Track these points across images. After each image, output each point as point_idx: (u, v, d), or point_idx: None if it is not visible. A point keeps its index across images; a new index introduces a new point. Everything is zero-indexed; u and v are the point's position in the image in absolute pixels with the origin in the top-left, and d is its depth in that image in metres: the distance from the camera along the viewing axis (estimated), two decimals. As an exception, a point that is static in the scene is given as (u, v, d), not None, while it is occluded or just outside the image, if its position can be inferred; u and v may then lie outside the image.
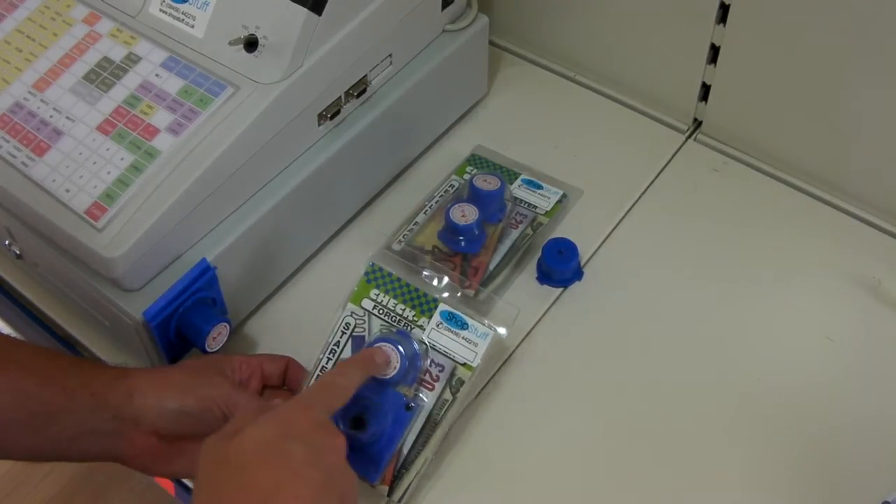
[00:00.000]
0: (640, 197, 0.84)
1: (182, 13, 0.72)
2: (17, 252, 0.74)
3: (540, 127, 0.91)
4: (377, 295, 0.69)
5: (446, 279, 0.70)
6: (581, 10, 0.90)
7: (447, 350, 0.67)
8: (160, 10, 0.73)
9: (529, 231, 0.80)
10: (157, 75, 0.71)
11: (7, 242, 0.74)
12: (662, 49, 0.86)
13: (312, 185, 0.74)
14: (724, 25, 0.80)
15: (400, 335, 0.67)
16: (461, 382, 0.66)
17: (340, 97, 0.75)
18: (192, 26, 0.72)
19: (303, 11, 0.68)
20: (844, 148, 0.80)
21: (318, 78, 0.71)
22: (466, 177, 0.84)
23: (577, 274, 0.78)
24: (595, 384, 0.72)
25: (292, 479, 0.49)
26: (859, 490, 0.65)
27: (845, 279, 0.77)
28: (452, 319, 0.68)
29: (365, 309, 0.69)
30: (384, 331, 0.68)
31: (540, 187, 0.83)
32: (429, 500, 0.65)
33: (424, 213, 0.81)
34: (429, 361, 0.67)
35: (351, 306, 0.69)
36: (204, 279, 0.67)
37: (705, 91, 0.86)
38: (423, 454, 0.64)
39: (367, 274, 0.70)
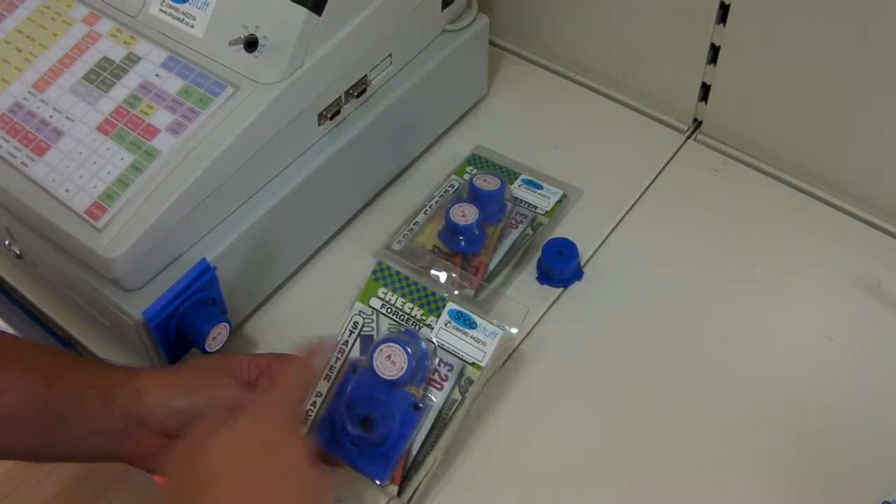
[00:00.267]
0: (640, 197, 0.84)
1: (182, 13, 0.72)
2: (17, 252, 0.74)
3: (540, 127, 0.91)
4: (385, 294, 0.69)
5: (454, 275, 0.70)
6: (581, 10, 0.90)
7: (456, 349, 0.67)
8: (160, 10, 0.73)
9: (529, 231, 0.80)
10: (157, 75, 0.71)
11: (7, 242, 0.74)
12: (662, 49, 0.86)
13: (312, 185, 0.74)
14: (724, 25, 0.80)
15: (408, 335, 0.67)
16: (470, 382, 0.66)
17: (340, 97, 0.75)
18: (192, 26, 0.72)
19: (303, 11, 0.68)
20: (844, 148, 0.80)
21: (318, 78, 0.71)
22: (466, 177, 0.84)
23: (577, 274, 0.78)
24: (595, 384, 0.72)
25: (257, 493, 0.50)
26: (859, 490, 0.65)
27: (845, 279, 0.77)
28: (461, 318, 0.68)
29: (373, 308, 0.69)
30: (392, 330, 0.68)
31: (540, 187, 0.83)
32: (438, 500, 0.65)
33: (424, 213, 0.81)
34: (437, 361, 0.67)
35: (359, 305, 0.69)
36: (204, 279, 0.67)
37: (705, 91, 0.86)
38: (433, 454, 0.64)
39: (374, 273, 0.70)
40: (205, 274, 0.67)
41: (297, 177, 0.73)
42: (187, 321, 0.67)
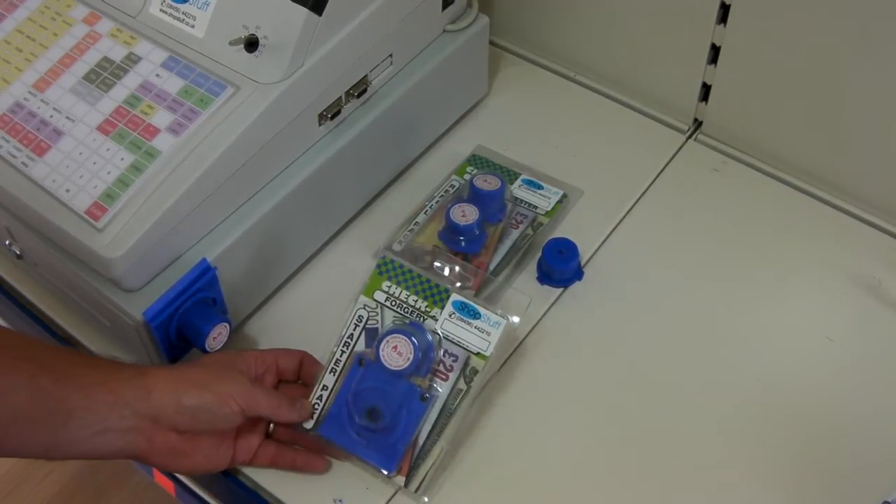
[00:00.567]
0: (640, 197, 0.84)
1: (182, 13, 0.72)
2: (17, 252, 0.74)
3: (540, 127, 0.91)
4: (389, 287, 0.69)
5: (456, 268, 0.71)
6: (581, 10, 0.90)
7: (460, 340, 0.68)
8: (160, 10, 0.73)
9: (530, 231, 0.80)
10: (157, 75, 0.71)
11: (7, 242, 0.74)
12: (662, 49, 0.86)
13: (313, 185, 0.74)
14: (724, 25, 0.80)
15: (413, 327, 0.68)
16: (475, 372, 0.67)
17: (341, 97, 0.75)
18: (193, 26, 0.72)
19: (303, 11, 0.68)
20: (844, 148, 0.80)
21: (318, 78, 0.71)
22: (467, 177, 0.84)
23: (578, 274, 0.78)
24: (596, 383, 0.72)
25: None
26: (859, 490, 0.65)
27: (845, 279, 0.77)
28: (465, 309, 0.68)
29: (377, 301, 0.69)
30: (397, 322, 0.68)
31: (540, 187, 0.83)
32: (444, 490, 0.66)
33: (425, 213, 0.81)
34: (442, 352, 0.67)
35: (363, 299, 0.69)
36: (204, 279, 0.67)
37: (705, 91, 0.86)
38: (439, 444, 0.65)
39: (379, 266, 0.70)
40: (205, 274, 0.67)
41: (298, 177, 0.73)
42: (187, 321, 0.67)
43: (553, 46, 0.95)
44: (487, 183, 0.79)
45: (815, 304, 0.76)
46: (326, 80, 0.72)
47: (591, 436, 0.69)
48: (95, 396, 0.56)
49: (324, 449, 0.67)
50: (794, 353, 0.73)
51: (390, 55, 0.78)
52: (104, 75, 0.71)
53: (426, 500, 0.65)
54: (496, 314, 0.68)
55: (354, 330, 0.69)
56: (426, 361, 0.67)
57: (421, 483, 0.65)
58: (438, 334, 0.68)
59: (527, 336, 0.75)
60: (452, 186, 0.84)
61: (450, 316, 0.68)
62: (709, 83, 0.85)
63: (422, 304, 0.69)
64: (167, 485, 0.84)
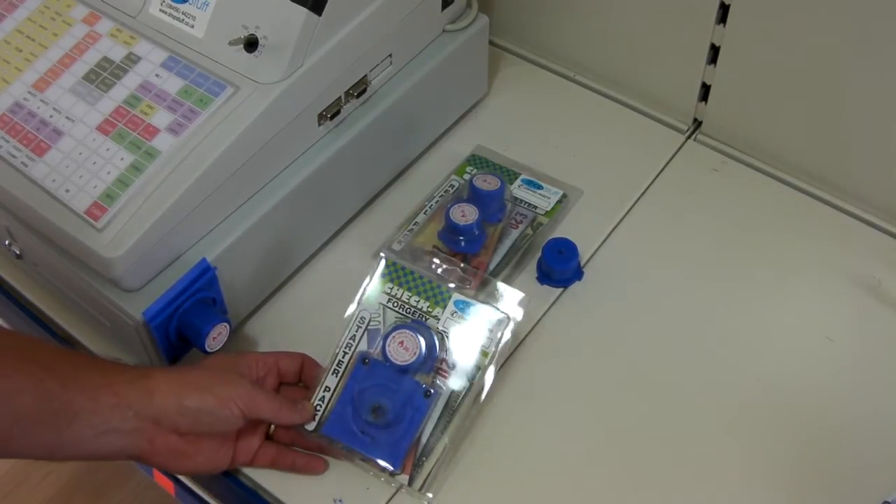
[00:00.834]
0: (640, 197, 0.84)
1: (182, 13, 0.72)
2: (17, 252, 0.74)
3: (540, 127, 0.91)
4: (391, 288, 0.69)
5: (456, 269, 0.71)
6: (581, 10, 0.90)
7: (463, 337, 0.68)
8: (160, 10, 0.73)
9: (529, 231, 0.80)
10: (157, 75, 0.71)
11: (7, 242, 0.74)
12: (662, 49, 0.86)
13: (312, 185, 0.74)
14: (724, 25, 0.80)
15: (417, 324, 0.68)
16: (477, 369, 0.67)
17: (340, 97, 0.75)
18: (192, 26, 0.72)
19: (303, 11, 0.68)
20: (844, 148, 0.80)
21: (318, 78, 0.71)
22: (466, 177, 0.84)
23: (577, 274, 0.78)
24: (596, 383, 0.72)
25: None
26: (859, 490, 0.65)
27: (845, 279, 0.77)
28: (467, 308, 0.68)
29: (380, 303, 0.69)
30: (400, 321, 0.68)
31: (540, 187, 0.83)
32: (446, 487, 0.66)
33: (424, 213, 0.81)
34: (445, 350, 0.68)
35: (366, 301, 0.69)
36: (204, 279, 0.67)
37: (705, 91, 0.86)
38: (442, 441, 0.65)
39: (381, 272, 0.70)
40: (205, 274, 0.67)
41: (297, 177, 0.73)
42: (187, 321, 0.67)
43: (552, 46, 0.95)
44: (487, 183, 0.79)
45: (815, 304, 0.76)
46: (326, 80, 0.72)
47: (592, 435, 0.69)
48: (99, 398, 0.56)
49: (324, 450, 0.67)
50: (794, 353, 0.73)
51: (390, 55, 0.78)
52: (104, 75, 0.71)
53: (430, 496, 0.65)
54: (497, 312, 0.68)
55: (357, 332, 0.69)
56: (430, 359, 0.67)
57: (425, 481, 0.65)
58: (441, 332, 0.68)
59: (527, 336, 0.74)
60: (452, 186, 0.84)
61: (451, 315, 0.68)
62: (708, 83, 0.85)
63: (423, 305, 0.69)
64: (167, 485, 0.84)
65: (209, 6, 0.71)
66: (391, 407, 0.66)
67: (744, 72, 0.82)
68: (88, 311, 0.72)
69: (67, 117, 0.70)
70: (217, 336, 0.67)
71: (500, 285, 0.73)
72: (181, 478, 0.79)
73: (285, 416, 0.65)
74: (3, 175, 0.68)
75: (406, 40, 0.79)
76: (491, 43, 0.92)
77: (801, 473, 0.66)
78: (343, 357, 0.68)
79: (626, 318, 0.76)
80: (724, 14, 0.80)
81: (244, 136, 0.67)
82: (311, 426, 0.66)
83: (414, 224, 0.80)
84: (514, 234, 0.80)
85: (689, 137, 0.89)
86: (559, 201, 0.82)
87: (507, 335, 0.68)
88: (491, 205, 0.78)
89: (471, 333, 0.68)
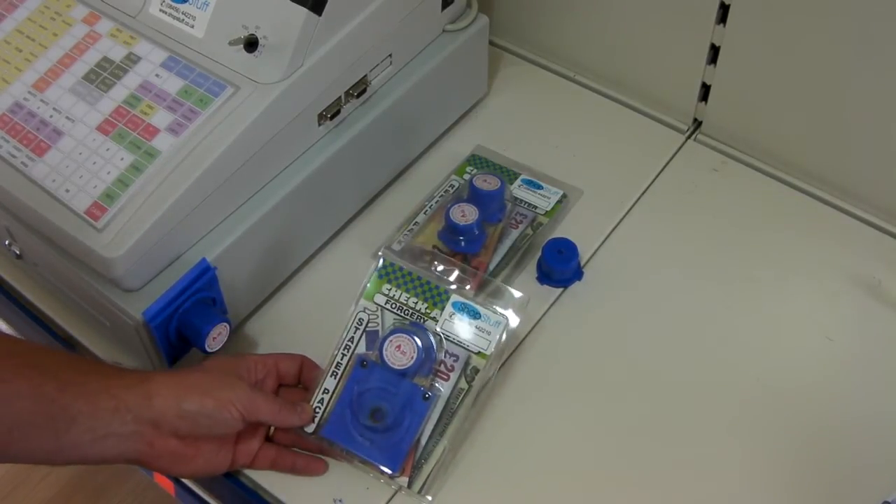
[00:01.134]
0: (640, 197, 0.84)
1: (182, 13, 0.72)
2: (17, 252, 0.74)
3: (540, 127, 0.91)
4: (389, 290, 0.69)
5: (456, 272, 0.71)
6: (581, 10, 0.90)
7: (461, 340, 0.68)
8: (160, 10, 0.73)
9: (529, 231, 0.80)
10: (157, 75, 0.71)
11: (7, 242, 0.74)
12: (662, 49, 0.86)
13: (312, 185, 0.74)
14: (724, 25, 0.80)
15: (414, 326, 0.68)
16: (476, 371, 0.67)
17: (340, 97, 0.75)
18: (192, 26, 0.72)
19: (303, 11, 0.68)
20: (844, 148, 0.80)
21: (318, 78, 0.71)
22: (466, 177, 0.84)
23: (577, 274, 0.78)
24: (596, 383, 0.72)
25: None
26: (859, 490, 0.65)
27: (845, 279, 0.77)
28: (465, 309, 0.68)
29: (377, 304, 0.69)
30: (397, 323, 0.69)
31: (540, 187, 0.83)
32: (446, 489, 0.66)
33: (424, 213, 0.81)
34: (443, 352, 0.68)
35: (364, 302, 0.70)
36: (204, 279, 0.67)
37: (705, 91, 0.86)
38: (441, 444, 0.65)
39: (378, 269, 0.70)
40: (205, 274, 0.67)
41: (297, 177, 0.73)
42: (187, 321, 0.67)
43: (553, 46, 0.95)
44: (487, 183, 0.79)
45: (815, 304, 0.76)
46: (326, 80, 0.72)
47: (592, 435, 0.69)
48: (98, 402, 0.56)
49: (323, 451, 0.67)
50: (794, 353, 0.73)
51: (390, 55, 0.78)
52: (104, 75, 0.71)
53: (429, 499, 0.65)
54: (496, 313, 0.68)
55: (355, 333, 0.69)
56: (428, 361, 0.67)
57: (424, 483, 0.65)
58: (439, 334, 0.68)
59: (527, 336, 0.74)
60: (452, 186, 0.84)
61: (450, 316, 0.68)
62: (708, 83, 0.85)
63: (422, 306, 0.69)
64: (167, 485, 0.84)
65: (209, 6, 0.71)
66: (390, 410, 0.66)
67: (744, 72, 0.82)
68: (88, 311, 0.72)
69: (67, 117, 0.70)
70: (217, 336, 0.67)
71: (500, 286, 0.73)
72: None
73: (285, 419, 0.65)
74: (3, 175, 0.68)
75: (406, 40, 0.79)
76: (491, 43, 0.92)
77: (801, 473, 0.66)
78: (341, 359, 0.68)
79: (626, 318, 0.76)
80: (724, 14, 0.80)
81: (244, 136, 0.67)
82: (310, 428, 0.66)
83: (414, 224, 0.80)
84: (514, 234, 0.80)
85: (689, 137, 0.89)
86: (559, 201, 0.83)
87: (505, 337, 0.68)
88: (491, 205, 0.78)
89: (469, 335, 0.68)
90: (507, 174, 0.85)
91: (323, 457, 0.67)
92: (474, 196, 0.79)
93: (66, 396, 0.55)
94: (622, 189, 0.84)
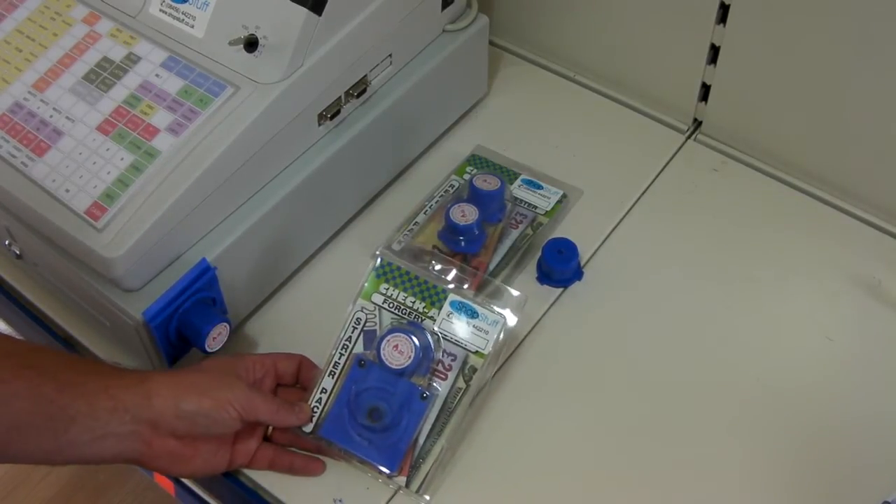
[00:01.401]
0: (640, 197, 0.84)
1: (182, 13, 0.72)
2: (17, 252, 0.74)
3: (540, 127, 0.91)
4: (387, 289, 0.69)
5: (454, 271, 0.71)
6: (581, 10, 0.90)
7: (458, 339, 0.68)
8: (160, 10, 0.73)
9: (529, 231, 0.80)
10: (157, 75, 0.71)
11: (7, 242, 0.74)
12: (662, 49, 0.86)
13: (312, 185, 0.74)
14: (724, 25, 0.80)
15: (412, 326, 0.68)
16: (473, 370, 0.67)
17: (340, 97, 0.75)
18: (192, 26, 0.72)
19: (303, 11, 0.68)
20: (844, 148, 0.80)
21: (318, 78, 0.71)
22: (466, 177, 0.84)
23: (577, 274, 0.78)
24: (595, 383, 0.72)
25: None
26: (859, 490, 0.65)
27: (845, 279, 0.77)
28: (463, 309, 0.68)
29: (375, 304, 0.69)
30: (395, 323, 0.69)
31: (540, 187, 0.83)
32: (444, 489, 0.66)
33: (424, 213, 0.81)
34: (441, 352, 0.68)
35: (361, 301, 0.70)
36: (204, 279, 0.67)
37: (705, 91, 0.86)
38: (439, 443, 0.65)
39: (376, 269, 0.70)
40: (205, 274, 0.67)
41: (297, 177, 0.73)
42: (187, 321, 0.67)
43: (553, 46, 0.95)
44: (487, 183, 0.79)
45: (815, 304, 0.76)
46: (326, 80, 0.72)
47: (591, 435, 0.69)
48: (97, 402, 0.56)
49: (322, 451, 0.67)
50: (794, 353, 0.73)
51: (390, 55, 0.78)
52: (104, 75, 0.71)
53: (427, 498, 0.65)
54: (493, 312, 0.68)
55: (353, 332, 0.69)
56: (426, 361, 0.67)
57: (422, 482, 0.65)
58: (437, 334, 0.68)
59: (526, 336, 0.74)
60: (452, 186, 0.84)
61: (448, 316, 0.68)
62: (708, 83, 0.85)
63: (419, 306, 0.69)
64: (167, 485, 0.84)
65: (209, 6, 0.71)
66: (388, 410, 0.66)
67: (744, 72, 0.82)
68: (88, 311, 0.72)
69: (67, 117, 0.70)
70: (217, 336, 0.67)
71: (498, 285, 0.73)
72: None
73: (283, 418, 0.65)
74: (3, 175, 0.68)
75: (406, 40, 0.79)
76: (491, 43, 0.92)
77: (801, 473, 0.66)
78: (339, 358, 0.68)
79: (626, 318, 0.76)
80: (724, 14, 0.80)
81: (244, 136, 0.67)
82: (308, 428, 0.66)
83: (414, 224, 0.80)
84: (514, 234, 0.80)
85: (689, 137, 0.89)
86: (559, 201, 0.82)
87: (503, 336, 0.68)
88: (491, 205, 0.78)
89: (467, 334, 0.68)
90: (507, 174, 0.85)
91: (321, 457, 0.67)
92: (474, 196, 0.79)
93: (64, 397, 0.55)
94: (622, 189, 0.84)
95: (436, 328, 0.68)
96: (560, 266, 0.77)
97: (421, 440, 0.66)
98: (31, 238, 0.70)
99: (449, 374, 0.67)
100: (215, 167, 0.66)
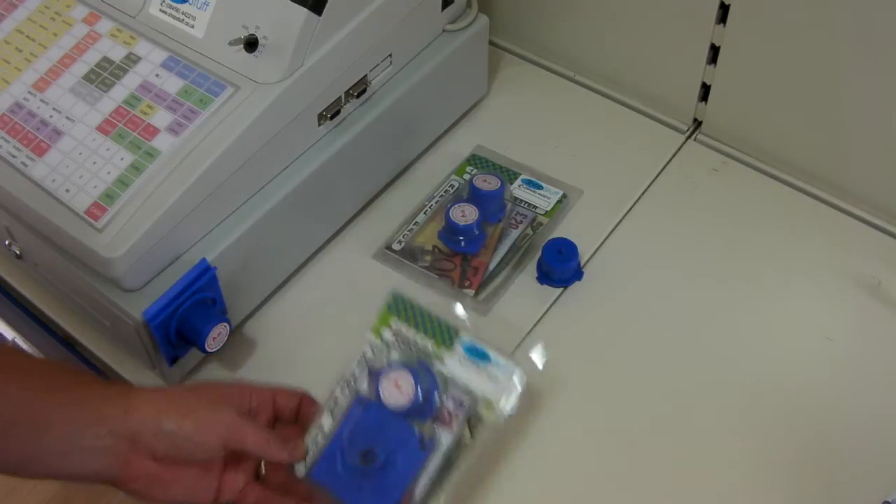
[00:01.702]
0: (640, 197, 0.84)
1: (182, 13, 0.72)
2: (17, 252, 0.74)
3: (540, 127, 0.91)
4: (397, 325, 0.64)
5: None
6: (581, 10, 0.90)
7: (467, 384, 0.61)
8: (160, 10, 0.73)
9: (529, 231, 0.80)
10: (157, 75, 0.71)
11: (7, 242, 0.74)
12: (662, 49, 0.86)
13: (312, 185, 0.74)
14: (724, 25, 0.80)
15: (420, 365, 0.62)
16: (479, 419, 0.60)
17: (340, 97, 0.75)
18: (192, 26, 0.72)
19: (303, 11, 0.68)
20: (844, 148, 0.80)
21: (318, 78, 0.71)
22: (466, 177, 0.84)
23: (577, 274, 0.78)
24: (595, 383, 0.72)
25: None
26: (859, 490, 0.65)
27: (845, 279, 0.77)
28: (474, 352, 0.62)
29: (384, 340, 0.64)
30: (403, 358, 0.63)
31: (540, 187, 0.83)
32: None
33: (424, 213, 0.81)
34: (447, 397, 0.61)
35: (370, 337, 0.64)
36: (204, 279, 0.67)
37: (705, 91, 0.86)
38: (437, 500, 0.59)
39: (388, 304, 0.64)
40: (205, 274, 0.67)
41: (297, 177, 0.73)
42: (187, 321, 0.67)
43: (553, 46, 0.95)
44: (487, 183, 0.79)
45: (816, 304, 0.76)
46: (326, 80, 0.72)
47: (589, 436, 0.69)
48: (75, 413, 0.54)
49: (312, 496, 0.61)
50: (794, 353, 0.73)
51: (390, 55, 0.78)
52: (104, 75, 0.71)
53: None
54: (507, 359, 0.61)
55: (357, 369, 0.63)
56: (428, 403, 0.61)
57: None
58: (444, 376, 0.61)
59: (526, 336, 0.74)
60: (452, 186, 0.84)
61: (458, 358, 0.62)
62: (708, 83, 0.85)
63: (429, 344, 0.63)
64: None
65: (209, 6, 0.71)
66: (381, 451, 0.59)
67: (744, 72, 0.82)
68: (88, 311, 0.72)
69: (67, 117, 0.70)
70: (217, 336, 0.67)
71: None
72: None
73: (273, 452, 0.59)
74: (3, 175, 0.68)
75: (406, 40, 0.79)
76: (491, 43, 0.92)
77: (802, 473, 0.66)
78: (340, 394, 0.62)
79: (626, 317, 0.76)
80: (724, 14, 0.80)
81: (244, 136, 0.67)
82: (300, 471, 0.60)
83: (414, 224, 0.80)
84: (514, 234, 0.80)
85: (689, 137, 0.89)
86: (559, 201, 0.83)
87: (518, 388, 0.60)
88: (491, 205, 0.79)
89: (476, 381, 0.61)
90: (507, 174, 0.85)
91: None
92: (474, 196, 0.79)
93: (43, 404, 0.54)
94: (622, 189, 0.84)
95: (445, 371, 0.61)
96: (560, 266, 0.77)
97: (418, 493, 0.59)
98: (31, 238, 0.70)
99: (454, 423, 0.60)
100: (215, 167, 0.66)
